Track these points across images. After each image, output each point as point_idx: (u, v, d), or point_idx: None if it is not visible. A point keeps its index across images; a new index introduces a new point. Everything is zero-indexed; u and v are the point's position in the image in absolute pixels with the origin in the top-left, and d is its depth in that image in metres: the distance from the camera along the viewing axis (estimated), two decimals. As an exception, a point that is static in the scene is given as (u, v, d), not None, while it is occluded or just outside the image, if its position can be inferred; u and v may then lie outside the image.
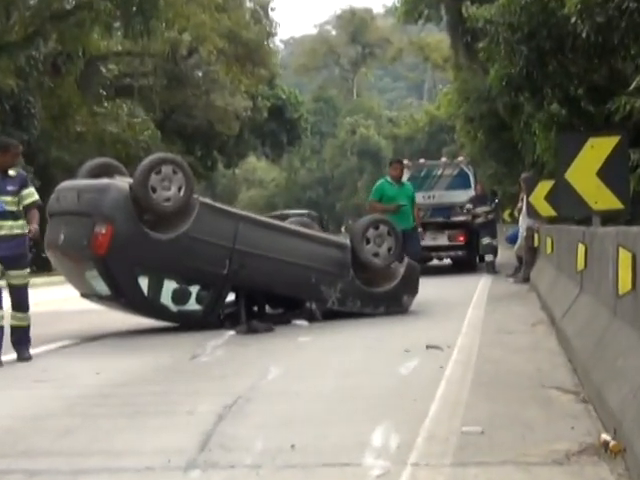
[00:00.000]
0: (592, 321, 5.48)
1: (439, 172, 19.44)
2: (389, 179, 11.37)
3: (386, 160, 60.00)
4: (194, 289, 8.82)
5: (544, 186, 12.33)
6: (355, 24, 73.84)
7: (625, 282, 4.29)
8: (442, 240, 18.24)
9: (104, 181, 8.69)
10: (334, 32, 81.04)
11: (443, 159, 22.08)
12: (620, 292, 4.45)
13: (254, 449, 3.84)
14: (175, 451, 3.82)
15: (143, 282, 8.42)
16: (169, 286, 8.73)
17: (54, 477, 3.61)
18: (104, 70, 32.57)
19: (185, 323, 8.68)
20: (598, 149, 7.92)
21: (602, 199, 7.96)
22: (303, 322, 8.81)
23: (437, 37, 54.56)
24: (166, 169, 8.44)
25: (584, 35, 10.73)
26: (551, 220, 12.33)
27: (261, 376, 5.74)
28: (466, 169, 19.31)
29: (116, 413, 4.82)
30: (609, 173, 7.93)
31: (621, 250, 4.45)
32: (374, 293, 9.25)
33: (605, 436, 3.55)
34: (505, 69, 13.40)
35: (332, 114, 68.52)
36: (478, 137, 22.83)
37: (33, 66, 24.89)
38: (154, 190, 8.28)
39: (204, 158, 39.68)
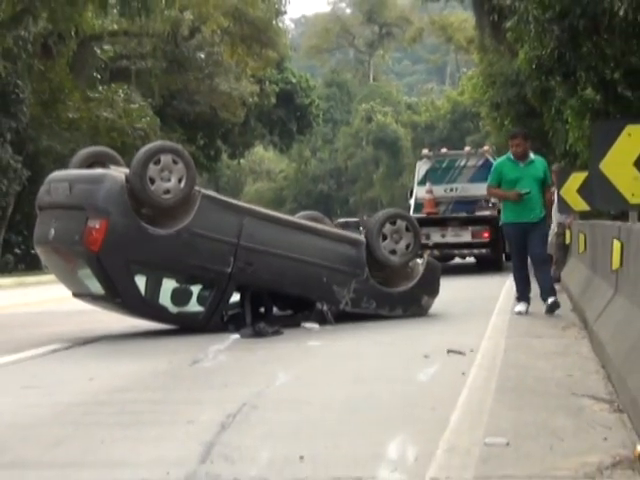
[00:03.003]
0: (628, 324, 5.48)
1: (462, 163, 19.46)
2: (511, 156, 9.52)
3: (404, 150, 60.30)
4: (195, 289, 8.85)
5: (577, 178, 12.32)
6: (372, 1, 73.78)
7: (664, 281, 4.30)
8: (465, 237, 18.25)
9: (98, 171, 8.73)
10: (349, 10, 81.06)
11: (467, 149, 22.06)
12: (658, 292, 4.46)
13: (259, 460, 3.85)
14: (174, 463, 3.83)
15: (140, 281, 8.45)
16: (168, 285, 8.76)
17: (44, 489, 3.64)
18: (98, 51, 32.68)
19: (186, 325, 8.71)
20: (636, 137, 7.90)
21: (640, 192, 7.95)
22: (314, 325, 8.82)
23: (461, 16, 54.59)
24: (165, 158, 8.46)
25: (621, 13, 10.71)
26: (584, 215, 12.33)
27: (268, 383, 5.76)
28: (492, 159, 19.29)
29: (111, 422, 4.84)
30: (648, 164, 7.91)
31: (660, 247, 4.45)
32: (391, 293, 9.26)
33: (641, 448, 3.55)
34: (535, 51, 13.40)
35: (346, 100, 68.59)
36: (505, 125, 22.82)
37: (22, 47, 25.00)
38: (152, 181, 8.31)
39: (207, 147, 39.79)
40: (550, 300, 9.16)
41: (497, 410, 4.64)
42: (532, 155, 9.53)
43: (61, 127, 28.75)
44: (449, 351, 6.65)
